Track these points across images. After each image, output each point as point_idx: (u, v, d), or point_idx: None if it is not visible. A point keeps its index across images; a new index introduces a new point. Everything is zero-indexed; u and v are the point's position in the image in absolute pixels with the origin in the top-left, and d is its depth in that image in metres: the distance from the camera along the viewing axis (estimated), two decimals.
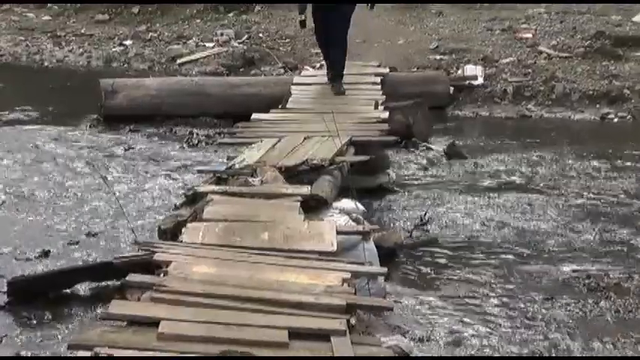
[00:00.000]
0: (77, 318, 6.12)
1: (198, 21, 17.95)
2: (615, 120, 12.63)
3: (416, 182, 9.46)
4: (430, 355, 5.68)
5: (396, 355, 4.87)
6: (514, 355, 5.76)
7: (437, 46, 15.18)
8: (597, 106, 12.96)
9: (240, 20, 17.57)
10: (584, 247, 7.64)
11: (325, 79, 12.18)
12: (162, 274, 5.27)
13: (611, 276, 6.94)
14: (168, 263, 5.41)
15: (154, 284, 5.04)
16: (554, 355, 5.78)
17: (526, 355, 5.77)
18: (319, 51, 12.77)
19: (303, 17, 11.23)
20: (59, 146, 10.52)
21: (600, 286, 6.76)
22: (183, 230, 6.17)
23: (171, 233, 6.40)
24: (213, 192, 7.02)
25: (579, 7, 17.28)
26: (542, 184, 9.40)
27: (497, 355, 5.75)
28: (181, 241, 5.97)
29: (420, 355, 5.61)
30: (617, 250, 7.59)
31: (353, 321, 4.80)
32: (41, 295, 6.31)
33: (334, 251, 5.85)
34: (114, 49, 16.77)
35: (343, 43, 11.30)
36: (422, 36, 15.88)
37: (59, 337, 5.81)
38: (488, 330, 6.06)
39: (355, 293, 5.21)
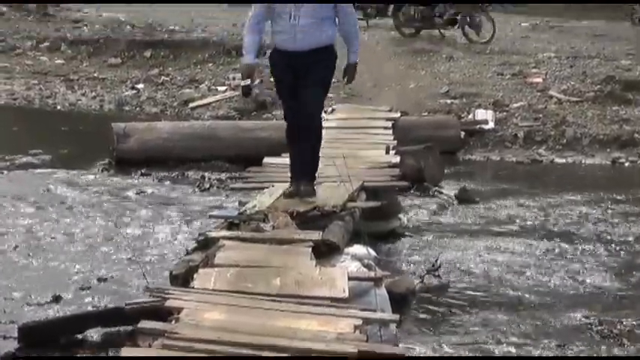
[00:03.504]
0: None
1: (210, 65, 18.06)
2: (626, 164, 12.66)
3: (427, 227, 9.45)
4: None
5: None
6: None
7: (447, 91, 15.24)
8: (608, 150, 13.00)
9: None
10: (597, 293, 7.62)
11: (335, 123, 12.18)
12: (173, 321, 5.26)
13: (624, 323, 6.91)
14: (179, 310, 5.40)
15: (166, 331, 5.03)
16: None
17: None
18: (332, 95, 12.06)
19: (247, 82, 8.29)
20: (71, 190, 10.55)
21: (613, 333, 6.73)
22: (194, 276, 6.17)
23: (182, 279, 6.39)
24: (225, 237, 7.03)
25: (589, 52, 17.41)
26: (554, 230, 9.39)
27: None
28: (193, 287, 5.97)
29: None
30: (630, 297, 7.57)
31: None
32: (52, 341, 6.30)
33: (346, 297, 5.84)
34: (126, 93, 16.86)
35: (318, 130, 8.20)
36: (432, 80, 15.94)
37: None
38: None
39: (367, 340, 5.20)
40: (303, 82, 7.94)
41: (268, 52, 8.22)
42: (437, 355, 6.01)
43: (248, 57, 8.03)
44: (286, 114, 8.33)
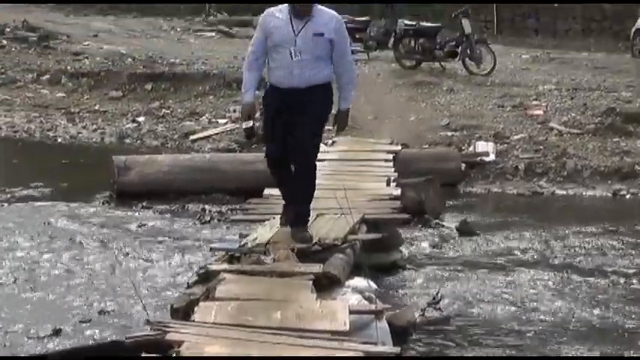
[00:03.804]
0: None
1: (210, 97, 18.09)
2: (627, 196, 12.65)
3: (428, 260, 9.43)
4: None
5: None
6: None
7: (448, 123, 15.26)
8: (609, 182, 13.00)
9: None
10: (599, 326, 7.59)
11: (336, 155, 12.20)
12: (174, 354, 5.25)
13: (625, 355, 6.88)
14: (180, 343, 5.39)
15: None
16: None
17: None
18: (332, 127, 12.12)
19: (250, 124, 8.06)
20: (72, 223, 10.54)
21: None
22: (195, 309, 6.16)
23: (183, 312, 6.39)
24: (226, 270, 7.03)
25: (590, 84, 17.46)
26: (555, 262, 9.38)
27: None
28: (194, 320, 5.96)
29: None
30: (632, 329, 7.53)
31: None
32: None
33: (347, 330, 5.83)
34: (127, 126, 16.88)
35: (313, 168, 7.99)
36: (433, 112, 15.97)
37: None
38: None
39: None
40: (299, 119, 7.71)
41: (269, 84, 8.06)
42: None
43: (247, 95, 7.86)
44: (268, 151, 8.02)
